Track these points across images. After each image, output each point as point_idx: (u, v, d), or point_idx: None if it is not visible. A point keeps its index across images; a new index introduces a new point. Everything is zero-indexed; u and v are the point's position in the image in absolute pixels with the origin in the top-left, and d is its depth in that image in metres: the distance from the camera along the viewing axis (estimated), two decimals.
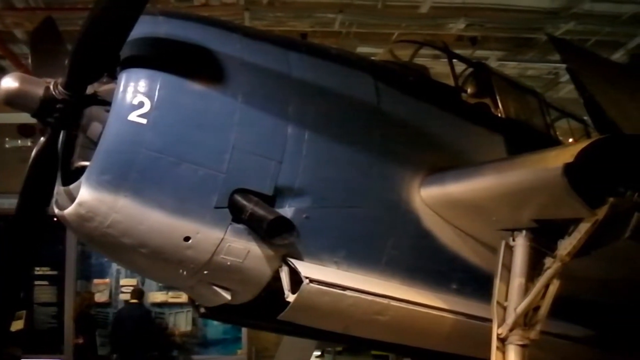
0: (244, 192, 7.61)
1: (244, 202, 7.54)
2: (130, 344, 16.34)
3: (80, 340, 17.25)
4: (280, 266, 7.86)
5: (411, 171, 8.76)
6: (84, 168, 7.21)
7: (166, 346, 17.58)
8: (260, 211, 7.49)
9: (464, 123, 9.83)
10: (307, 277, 7.72)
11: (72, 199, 7.15)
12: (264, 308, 8.12)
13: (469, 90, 10.92)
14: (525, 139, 10.33)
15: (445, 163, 8.94)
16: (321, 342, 12.22)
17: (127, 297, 19.33)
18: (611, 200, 7.80)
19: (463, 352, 9.46)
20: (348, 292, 8.06)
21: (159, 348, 17.78)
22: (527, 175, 7.95)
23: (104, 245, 7.67)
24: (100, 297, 19.73)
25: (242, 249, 7.65)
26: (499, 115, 10.50)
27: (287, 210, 7.87)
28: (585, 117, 12.60)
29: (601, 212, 7.83)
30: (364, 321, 8.38)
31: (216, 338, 19.69)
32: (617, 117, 8.48)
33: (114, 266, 19.81)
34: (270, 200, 7.79)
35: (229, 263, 7.65)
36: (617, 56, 20.33)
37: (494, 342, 8.00)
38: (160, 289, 19.07)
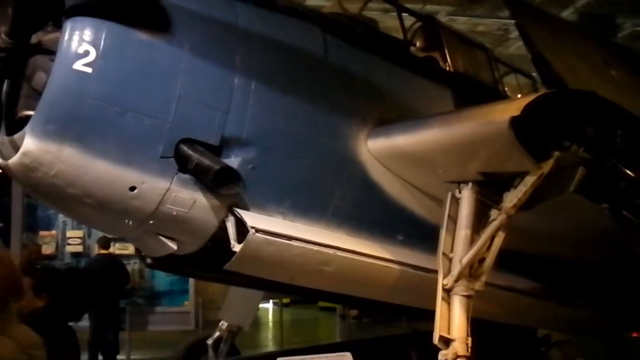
0: (190, 142, 7.56)
1: (190, 152, 7.49)
2: (107, 295, 16.20)
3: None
4: (227, 216, 7.84)
5: (358, 123, 8.76)
6: (28, 118, 7.09)
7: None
8: (206, 161, 7.45)
9: (412, 76, 9.84)
10: (253, 227, 7.72)
11: (16, 148, 7.03)
12: (210, 258, 8.10)
13: (417, 44, 10.91)
14: (473, 93, 10.36)
15: (392, 115, 8.94)
16: (268, 293, 12.25)
17: (75, 248, 19.28)
18: (556, 154, 7.88)
19: (409, 302, 9.56)
20: (294, 242, 8.08)
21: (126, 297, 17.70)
22: (473, 127, 7.97)
23: (49, 195, 7.58)
24: (47, 249, 19.56)
25: (188, 199, 7.61)
26: (447, 69, 10.52)
27: (233, 161, 7.84)
28: (533, 74, 12.65)
29: (547, 166, 7.91)
30: (310, 271, 8.41)
31: (163, 290, 19.66)
32: (565, 73, 8.52)
33: (60, 218, 19.63)
34: (217, 151, 7.75)
35: (174, 213, 7.61)
36: (566, 14, 20.46)
37: (439, 293, 8.07)
38: None
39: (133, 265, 19.14)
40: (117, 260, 17.32)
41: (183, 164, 7.53)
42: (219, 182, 7.49)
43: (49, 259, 19.61)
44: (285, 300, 27.01)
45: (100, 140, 7.21)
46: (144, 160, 7.42)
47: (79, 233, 19.44)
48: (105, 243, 17.03)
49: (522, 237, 8.90)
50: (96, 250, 17.84)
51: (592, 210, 8.42)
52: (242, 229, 7.80)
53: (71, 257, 19.57)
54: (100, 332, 16.36)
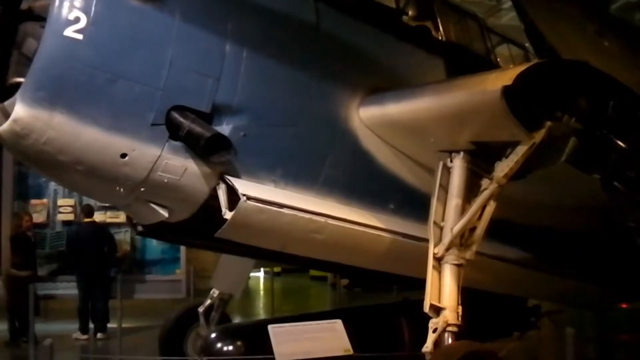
0: (181, 109, 7.56)
1: (181, 120, 7.49)
2: (94, 263, 16.17)
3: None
4: (218, 184, 7.84)
5: (350, 91, 8.76)
6: (18, 85, 7.05)
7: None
8: (197, 128, 7.46)
9: (404, 45, 9.80)
10: (244, 195, 7.73)
11: (6, 115, 7.00)
12: (201, 226, 8.10)
13: (410, 13, 10.84)
14: (465, 63, 10.33)
15: (384, 84, 8.92)
16: (259, 261, 12.28)
17: (67, 217, 19.26)
18: (548, 124, 7.89)
19: (400, 271, 9.59)
20: (285, 210, 8.09)
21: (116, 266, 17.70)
22: (465, 97, 7.97)
23: (40, 162, 7.56)
24: (38, 217, 19.54)
25: (179, 166, 7.61)
26: (440, 38, 10.47)
27: (224, 128, 7.83)
28: (526, 44, 12.60)
29: (538, 136, 7.92)
30: (301, 239, 8.43)
31: (155, 258, 19.71)
32: (557, 43, 8.49)
33: (52, 186, 19.63)
34: (208, 118, 7.74)
35: (166, 180, 7.61)
36: None
37: (430, 262, 8.09)
38: (98, 209, 18.91)
39: (124, 234, 19.18)
40: (102, 228, 17.28)
41: (174, 132, 7.53)
42: (210, 150, 7.51)
43: (40, 227, 19.54)
44: (277, 269, 27.11)
45: (91, 107, 7.20)
46: (135, 127, 7.42)
47: (70, 201, 19.45)
48: (88, 211, 16.98)
49: (513, 207, 8.91)
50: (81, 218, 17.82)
51: (583, 181, 8.42)
52: (233, 197, 7.80)
53: (62, 225, 19.55)
54: (88, 301, 16.37)
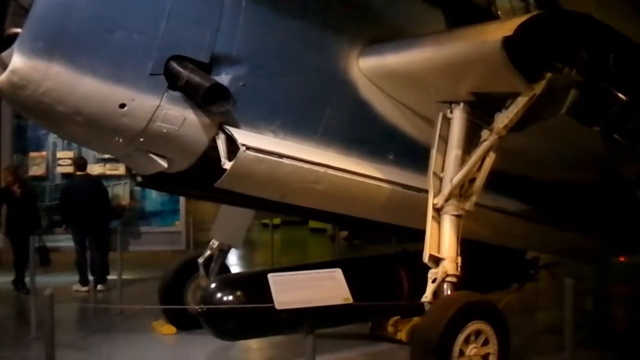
0: (180, 59, 7.53)
1: (180, 69, 7.47)
2: (87, 216, 16.16)
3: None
4: (217, 134, 7.84)
5: (349, 42, 8.71)
6: (16, 35, 7.01)
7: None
8: (196, 78, 7.44)
9: None
10: (243, 145, 7.73)
11: (4, 66, 6.97)
12: (201, 176, 8.10)
13: None
14: (465, 14, 10.24)
15: (384, 35, 8.86)
16: (259, 213, 12.28)
17: (66, 169, 19.21)
18: (549, 75, 7.90)
19: (399, 222, 9.59)
20: (285, 160, 8.09)
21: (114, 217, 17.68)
22: (466, 47, 7.94)
23: (38, 113, 7.52)
24: (37, 170, 19.52)
25: (178, 116, 7.59)
26: None
27: (223, 78, 7.81)
28: None
29: (538, 87, 7.94)
30: (300, 189, 8.43)
31: (154, 210, 19.70)
32: None
33: (51, 139, 19.54)
34: (207, 68, 7.72)
35: (165, 130, 7.59)
36: None
37: (430, 212, 8.14)
38: (97, 162, 18.87)
39: (124, 186, 19.17)
40: (95, 181, 17.24)
41: (173, 81, 7.51)
42: (209, 100, 7.50)
43: (40, 180, 19.54)
44: (276, 222, 27.11)
45: (89, 57, 7.16)
46: (134, 77, 7.39)
47: (70, 154, 19.33)
48: (81, 164, 16.92)
49: (512, 159, 8.92)
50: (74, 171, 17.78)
51: (583, 133, 8.41)
52: (232, 147, 7.80)
53: (62, 177, 19.52)
54: (85, 253, 16.38)
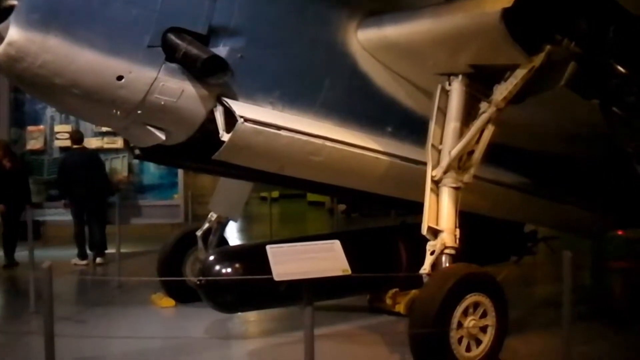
0: (177, 31, 7.52)
1: (178, 41, 7.45)
2: (85, 190, 16.12)
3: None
4: (215, 106, 7.83)
5: (348, 13, 8.68)
6: (12, 7, 6.96)
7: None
8: (194, 50, 7.43)
9: None
10: (241, 117, 7.73)
11: (1, 39, 6.94)
12: (199, 149, 8.09)
13: None
14: None
15: (382, 7, 8.82)
16: (257, 185, 12.27)
17: (64, 143, 19.15)
18: (548, 47, 7.88)
19: (397, 194, 9.59)
20: (282, 132, 8.09)
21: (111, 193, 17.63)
22: (465, 19, 7.89)
23: (35, 86, 7.51)
24: (35, 144, 19.48)
25: (176, 88, 7.58)
26: None
27: (221, 50, 7.81)
28: None
29: (537, 59, 7.93)
30: (298, 161, 8.44)
31: (152, 184, 19.66)
32: None
33: (48, 113, 19.46)
34: (205, 40, 7.70)
35: (162, 102, 7.58)
36: None
37: (428, 184, 8.14)
38: (95, 135, 18.80)
39: (122, 159, 19.11)
40: (92, 154, 17.19)
41: (171, 53, 7.50)
42: (207, 71, 7.49)
43: (38, 154, 19.50)
44: (274, 195, 27.12)
45: (86, 29, 7.15)
46: (131, 49, 7.38)
47: (67, 127, 19.24)
48: (78, 137, 16.87)
49: (511, 131, 8.91)
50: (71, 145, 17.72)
51: (582, 106, 8.39)
52: (230, 119, 7.79)
53: (60, 151, 19.46)
54: (83, 227, 16.37)
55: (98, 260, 16.24)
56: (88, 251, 16.41)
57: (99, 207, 16.59)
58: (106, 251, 16.41)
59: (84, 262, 16.15)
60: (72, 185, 16.18)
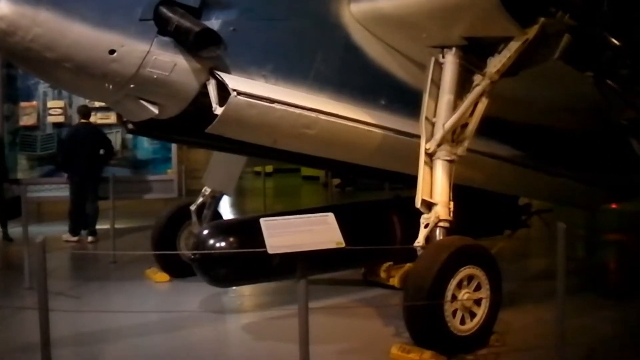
0: (169, 3, 7.50)
1: (170, 14, 7.43)
2: (87, 165, 16.01)
3: None
4: (208, 79, 7.82)
5: None
6: None
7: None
8: (186, 23, 7.40)
9: None
10: (234, 90, 7.71)
11: None
12: (192, 122, 8.08)
13: None
14: None
15: None
16: (251, 159, 12.26)
17: (57, 119, 19.10)
18: (542, 20, 7.86)
19: (391, 167, 9.58)
20: (276, 105, 8.07)
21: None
22: None
23: (27, 60, 7.48)
24: (28, 120, 19.43)
25: (169, 61, 7.56)
26: None
27: (213, 23, 7.79)
28: None
29: (531, 32, 7.91)
30: (292, 134, 8.42)
31: (146, 159, 19.64)
32: None
33: (41, 88, 19.41)
34: (197, 13, 7.68)
35: (155, 76, 7.57)
36: None
37: (422, 157, 8.12)
38: None
39: (115, 134, 19.06)
40: (97, 130, 17.11)
41: (163, 27, 7.48)
42: (200, 45, 7.48)
43: (31, 130, 19.44)
44: (268, 169, 27.14)
45: (78, 2, 7.15)
46: (123, 22, 7.36)
47: (60, 103, 19.24)
48: (85, 112, 16.75)
49: (505, 104, 8.90)
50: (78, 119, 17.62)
51: (576, 79, 8.38)
52: (223, 92, 7.78)
53: (53, 127, 19.43)
54: (79, 204, 16.24)
55: (90, 239, 16.14)
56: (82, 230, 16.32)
57: (97, 182, 16.47)
58: (100, 227, 16.32)
59: (75, 238, 16.04)
60: (75, 160, 16.04)
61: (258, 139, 8.56)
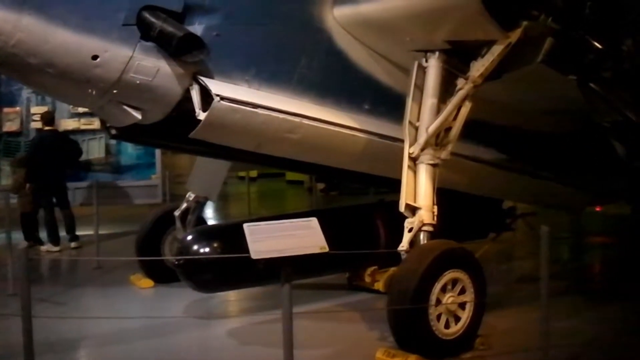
0: (152, 9, 7.50)
1: (153, 19, 7.44)
2: (54, 172, 15.84)
3: None
4: (191, 84, 7.83)
5: None
6: None
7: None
8: (169, 28, 7.42)
9: None
10: (217, 95, 7.73)
11: None
12: (175, 128, 8.08)
13: None
14: None
15: None
16: (235, 164, 12.25)
17: (39, 125, 19.00)
18: (525, 23, 7.89)
19: (375, 171, 9.60)
20: (259, 110, 8.08)
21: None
22: None
23: (10, 66, 7.46)
24: (11, 125, 19.36)
25: (152, 67, 7.56)
26: None
27: (196, 28, 7.80)
28: None
29: (514, 35, 7.93)
30: (276, 139, 8.43)
31: (130, 164, 19.59)
32: None
33: (25, 94, 19.34)
34: (180, 18, 7.68)
35: (138, 82, 7.57)
36: None
37: (406, 161, 8.14)
38: (72, 116, 18.67)
39: (99, 140, 18.99)
40: (64, 136, 16.95)
41: (146, 32, 7.49)
42: (183, 50, 7.49)
43: (14, 136, 19.36)
44: (252, 174, 27.09)
45: (60, 8, 7.14)
46: (106, 28, 7.37)
47: (44, 109, 19.15)
48: (49, 118, 16.52)
49: (489, 108, 8.92)
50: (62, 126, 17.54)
51: (559, 82, 8.39)
52: (206, 98, 7.78)
53: (36, 133, 19.35)
54: (53, 211, 15.90)
55: (73, 244, 15.96)
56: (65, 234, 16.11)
57: (63, 188, 16.24)
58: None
59: (57, 248, 15.75)
60: (43, 168, 15.76)
61: (242, 144, 8.55)
